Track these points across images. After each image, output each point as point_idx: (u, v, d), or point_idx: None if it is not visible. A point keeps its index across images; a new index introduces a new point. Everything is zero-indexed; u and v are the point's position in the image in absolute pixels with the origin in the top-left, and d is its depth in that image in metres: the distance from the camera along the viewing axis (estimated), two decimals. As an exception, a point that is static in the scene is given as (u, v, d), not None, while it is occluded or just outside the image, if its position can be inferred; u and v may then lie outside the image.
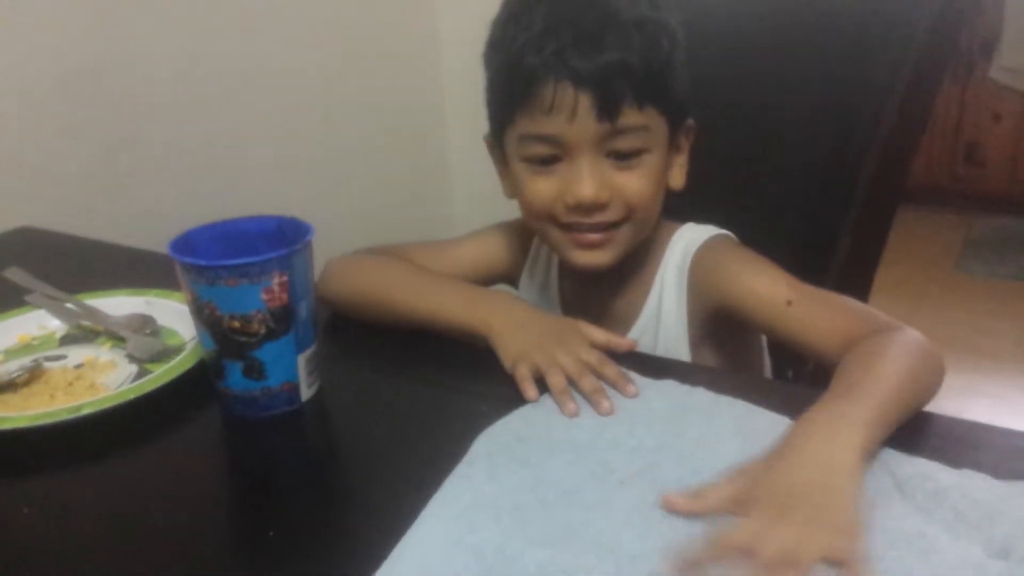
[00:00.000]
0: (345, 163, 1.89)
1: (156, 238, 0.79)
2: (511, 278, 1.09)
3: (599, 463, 0.68)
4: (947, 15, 1.06)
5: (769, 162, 1.15)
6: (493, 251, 1.07)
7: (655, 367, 0.81)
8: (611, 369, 0.80)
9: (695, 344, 0.95)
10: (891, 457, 0.66)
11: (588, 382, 0.78)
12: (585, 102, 0.83)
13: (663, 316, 0.95)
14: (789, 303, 0.84)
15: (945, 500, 0.61)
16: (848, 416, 0.64)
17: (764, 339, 1.05)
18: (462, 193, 2.13)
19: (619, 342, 0.84)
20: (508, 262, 1.08)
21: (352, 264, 0.98)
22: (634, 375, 0.79)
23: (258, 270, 0.73)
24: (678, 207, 0.98)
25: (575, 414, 0.75)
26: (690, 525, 0.60)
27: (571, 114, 0.83)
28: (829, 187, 1.12)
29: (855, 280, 1.12)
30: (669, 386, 0.78)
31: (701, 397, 0.76)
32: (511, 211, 1.00)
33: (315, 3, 1.76)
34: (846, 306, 0.84)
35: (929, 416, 0.71)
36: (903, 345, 0.73)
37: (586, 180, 0.85)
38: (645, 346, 0.95)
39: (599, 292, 0.99)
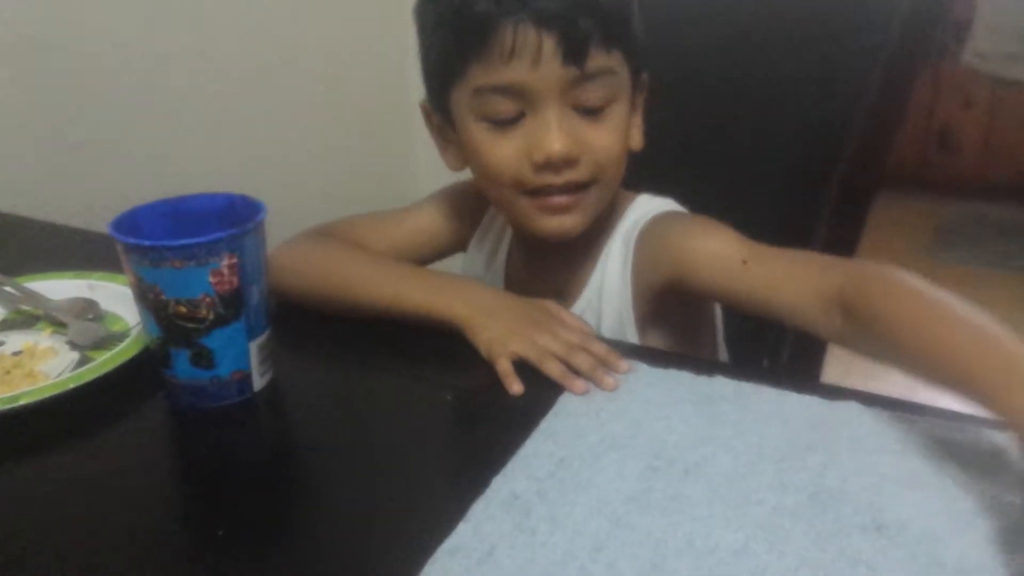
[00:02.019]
0: (305, 136, 1.83)
1: (104, 218, 0.74)
2: (464, 245, 1.04)
3: (651, 455, 0.64)
4: (924, 3, 1.04)
5: (745, 152, 1.13)
6: (444, 218, 1.01)
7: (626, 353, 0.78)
8: (598, 346, 0.76)
9: (641, 324, 0.91)
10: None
11: (583, 359, 0.74)
12: (550, 44, 0.77)
13: (605, 292, 0.91)
14: (745, 262, 0.80)
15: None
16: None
17: (720, 325, 1.00)
18: (427, 162, 2.08)
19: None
20: (460, 229, 1.02)
21: (300, 256, 0.91)
22: (644, 366, 0.75)
23: (206, 251, 0.68)
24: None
25: (585, 391, 0.72)
26: (779, 515, 0.58)
27: (535, 59, 0.77)
28: (806, 178, 1.11)
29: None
30: (687, 377, 0.74)
31: (724, 386, 0.73)
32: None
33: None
34: (806, 256, 0.80)
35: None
36: (915, 287, 0.69)
37: (555, 133, 0.80)
38: (588, 324, 0.91)
39: (547, 265, 0.95)
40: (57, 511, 0.64)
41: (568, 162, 0.81)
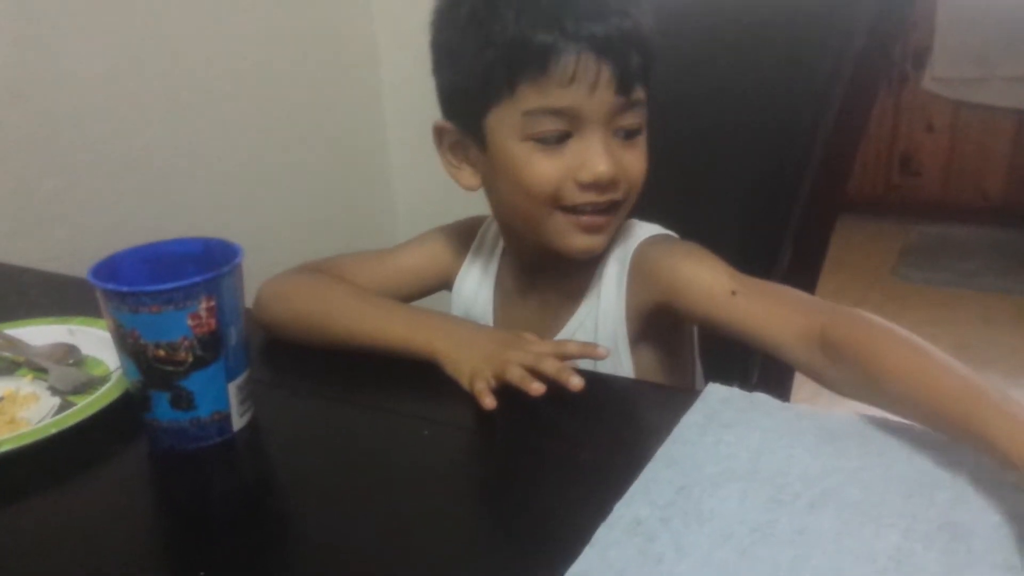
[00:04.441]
0: (281, 176, 1.85)
1: (81, 263, 0.76)
2: (448, 284, 1.06)
3: (775, 488, 0.63)
4: (881, 25, 1.07)
5: (709, 172, 1.15)
6: (434, 257, 1.04)
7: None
8: (573, 346, 0.81)
9: (634, 341, 0.94)
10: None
11: (550, 364, 0.77)
12: (606, 73, 0.82)
13: (602, 311, 0.94)
14: (733, 293, 0.83)
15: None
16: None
17: (695, 342, 1.03)
18: (404, 198, 2.09)
19: (595, 351, 0.82)
20: (450, 267, 1.04)
21: (287, 287, 0.95)
22: (763, 397, 0.76)
23: (183, 295, 0.69)
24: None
25: (541, 391, 0.75)
26: (911, 541, 0.57)
27: (592, 86, 0.82)
28: (769, 196, 1.12)
29: (798, 288, 1.12)
30: (806, 410, 0.74)
31: (847, 421, 0.72)
32: (455, 213, 0.97)
33: (243, 17, 1.72)
34: (791, 295, 0.83)
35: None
36: (899, 332, 0.72)
37: (603, 155, 0.84)
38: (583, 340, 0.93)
39: (542, 282, 0.98)
40: (41, 556, 0.64)
41: (612, 183, 0.85)
